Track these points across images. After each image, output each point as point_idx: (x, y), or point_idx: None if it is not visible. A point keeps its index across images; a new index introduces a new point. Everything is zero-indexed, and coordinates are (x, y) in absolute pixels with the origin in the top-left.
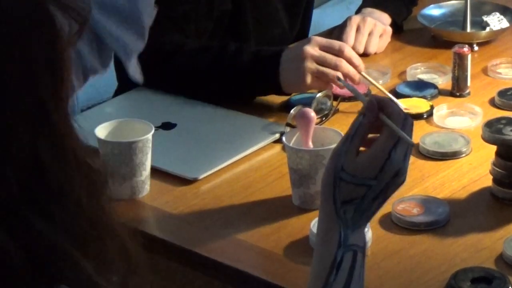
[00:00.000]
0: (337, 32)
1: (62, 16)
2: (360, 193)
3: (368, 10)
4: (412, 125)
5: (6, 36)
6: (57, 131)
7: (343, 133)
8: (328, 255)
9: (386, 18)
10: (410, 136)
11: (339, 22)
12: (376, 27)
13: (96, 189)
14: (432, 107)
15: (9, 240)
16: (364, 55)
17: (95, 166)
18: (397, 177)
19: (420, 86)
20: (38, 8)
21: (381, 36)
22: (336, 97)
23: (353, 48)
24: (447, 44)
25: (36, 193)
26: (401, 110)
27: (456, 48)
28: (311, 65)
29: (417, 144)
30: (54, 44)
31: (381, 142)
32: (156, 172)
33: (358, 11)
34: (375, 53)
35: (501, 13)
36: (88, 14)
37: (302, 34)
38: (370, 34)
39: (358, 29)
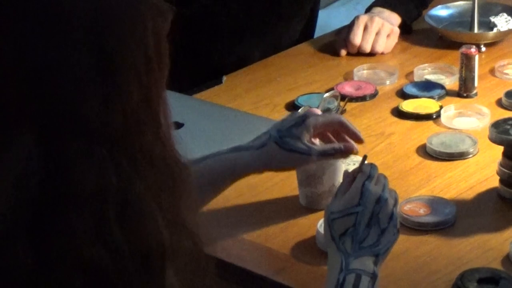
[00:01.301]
0: (345, 31)
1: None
2: (351, 222)
3: (378, 9)
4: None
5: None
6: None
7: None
8: (333, 278)
9: (395, 18)
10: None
11: (346, 22)
12: (384, 26)
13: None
14: (441, 108)
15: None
16: (371, 54)
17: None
18: (380, 204)
19: (427, 87)
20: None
21: (388, 36)
22: (343, 97)
23: (360, 47)
24: (454, 45)
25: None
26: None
27: (463, 49)
28: None
29: (424, 145)
30: (159, 35)
31: (357, 179)
32: None
33: (367, 10)
34: (382, 53)
35: (509, 14)
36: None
37: (308, 34)
38: (377, 33)
39: (365, 28)
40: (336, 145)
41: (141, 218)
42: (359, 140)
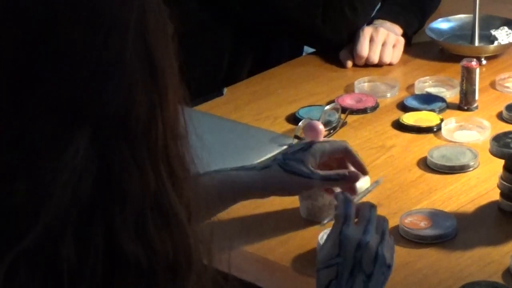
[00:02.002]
0: (351, 44)
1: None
2: (333, 273)
3: (379, 21)
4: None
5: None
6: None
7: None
8: None
9: (397, 29)
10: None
11: None
12: (389, 37)
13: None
14: (442, 121)
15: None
16: (378, 65)
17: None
18: (361, 251)
19: (428, 100)
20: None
21: (394, 46)
22: (344, 110)
23: (368, 58)
24: (455, 58)
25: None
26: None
27: (464, 62)
28: None
29: (425, 158)
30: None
31: (334, 224)
32: None
33: (369, 23)
34: (390, 64)
35: (510, 27)
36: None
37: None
38: (383, 44)
39: (371, 40)
40: (341, 171)
41: (173, 224)
42: (363, 171)
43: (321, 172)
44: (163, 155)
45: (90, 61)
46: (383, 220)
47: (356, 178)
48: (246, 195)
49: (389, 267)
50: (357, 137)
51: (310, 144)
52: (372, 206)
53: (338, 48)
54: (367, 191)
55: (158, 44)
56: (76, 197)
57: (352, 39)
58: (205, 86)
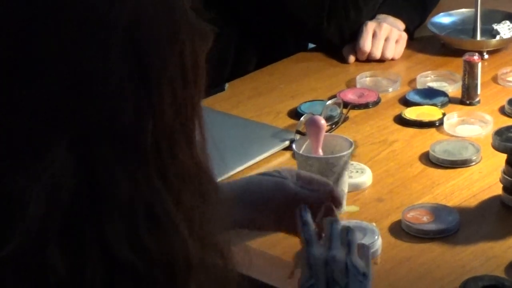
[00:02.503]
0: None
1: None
2: None
3: (382, 16)
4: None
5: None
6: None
7: (353, 141)
8: None
9: (400, 24)
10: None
11: None
12: (392, 32)
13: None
14: (444, 115)
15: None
16: (380, 60)
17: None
18: (330, 266)
19: (430, 94)
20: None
21: (397, 41)
22: (346, 105)
23: (370, 53)
24: (457, 52)
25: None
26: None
27: (466, 56)
28: None
29: (427, 152)
30: (197, 54)
31: (302, 250)
32: None
33: (372, 17)
34: (392, 59)
35: (511, 22)
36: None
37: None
38: (386, 39)
39: (374, 35)
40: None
41: (168, 230)
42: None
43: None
44: (156, 164)
45: (70, 65)
46: (347, 231)
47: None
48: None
49: (364, 275)
50: (359, 132)
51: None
52: (333, 221)
53: (341, 46)
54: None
55: (154, 48)
56: (55, 205)
57: (355, 36)
58: (210, 83)
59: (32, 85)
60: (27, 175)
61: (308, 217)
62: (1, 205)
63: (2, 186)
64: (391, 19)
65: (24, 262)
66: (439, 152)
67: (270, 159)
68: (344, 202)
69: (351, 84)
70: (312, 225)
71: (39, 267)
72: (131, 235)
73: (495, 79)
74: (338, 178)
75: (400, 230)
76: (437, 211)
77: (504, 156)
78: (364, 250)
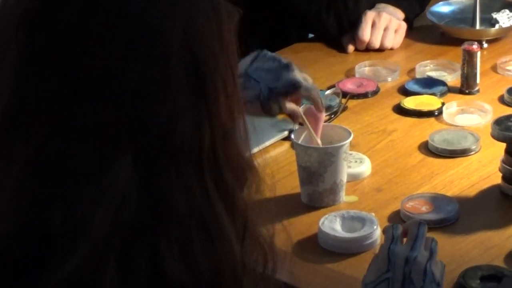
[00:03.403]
0: (353, 30)
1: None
2: None
3: (382, 5)
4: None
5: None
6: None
7: (351, 130)
8: None
9: (399, 14)
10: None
11: None
12: (392, 22)
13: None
14: (443, 104)
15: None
16: (379, 50)
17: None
18: (409, 265)
19: (429, 83)
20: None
21: (396, 31)
22: (344, 95)
23: (369, 43)
24: (456, 41)
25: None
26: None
27: (465, 45)
28: None
29: (426, 142)
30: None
31: (383, 245)
32: None
33: (372, 6)
34: (392, 49)
35: (511, 10)
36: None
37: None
38: (385, 29)
39: (373, 24)
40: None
41: (218, 239)
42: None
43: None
44: (211, 169)
45: (130, 80)
46: (431, 240)
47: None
48: None
49: (438, 285)
50: (358, 122)
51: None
52: (421, 224)
53: (339, 37)
54: None
55: (208, 53)
56: (118, 223)
57: (354, 26)
58: None
59: (94, 102)
60: (91, 194)
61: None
62: (64, 224)
63: (66, 205)
64: (390, 8)
65: (80, 282)
66: (438, 141)
67: (269, 149)
68: (343, 193)
69: (350, 73)
70: (401, 228)
71: (95, 286)
72: (185, 249)
73: (494, 68)
74: (337, 168)
75: (399, 220)
76: (436, 200)
77: (503, 145)
78: (441, 264)
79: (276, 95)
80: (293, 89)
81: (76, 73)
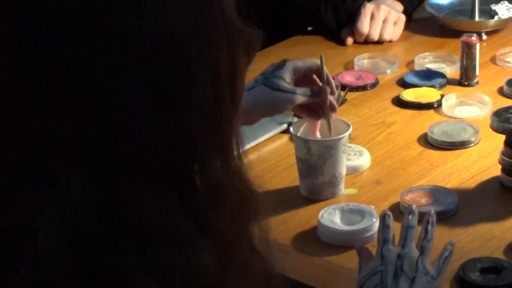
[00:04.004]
0: (352, 22)
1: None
2: (378, 279)
3: None
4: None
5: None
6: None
7: (351, 123)
8: None
9: (398, 6)
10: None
11: None
12: (390, 14)
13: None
14: (442, 96)
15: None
16: (378, 42)
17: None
18: (401, 259)
19: (428, 76)
20: (216, 32)
21: (395, 23)
22: (343, 87)
23: (368, 35)
24: (455, 33)
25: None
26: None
27: (464, 37)
28: None
29: (426, 134)
30: (236, 66)
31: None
32: None
33: None
34: (390, 41)
35: (510, 2)
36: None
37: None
38: (384, 21)
39: (372, 17)
40: (315, 87)
41: (189, 254)
42: (331, 88)
43: (300, 89)
44: (177, 185)
45: (89, 87)
46: (423, 238)
47: (325, 92)
48: None
49: (433, 278)
50: (357, 114)
51: (284, 62)
52: (408, 227)
53: (338, 30)
54: None
55: (181, 67)
56: (70, 236)
57: (353, 20)
58: None
59: (49, 106)
60: (40, 200)
61: (390, 222)
62: (8, 232)
63: (10, 210)
64: (389, 0)
65: None
66: (437, 133)
67: (268, 142)
68: (343, 185)
69: (349, 66)
70: (393, 230)
71: None
72: (153, 266)
73: (493, 60)
74: (336, 160)
75: (399, 213)
76: (436, 193)
77: (502, 137)
78: (441, 263)
79: (271, 73)
80: (282, 63)
81: (29, 75)
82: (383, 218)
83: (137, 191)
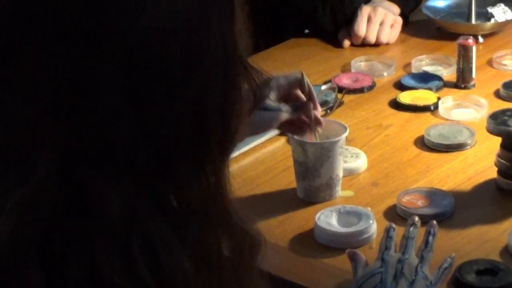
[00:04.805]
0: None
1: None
2: (377, 279)
3: (378, 0)
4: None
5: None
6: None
7: (347, 125)
8: None
9: (395, 9)
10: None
11: None
12: (387, 17)
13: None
14: (439, 99)
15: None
16: (375, 45)
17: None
18: (401, 263)
19: (425, 78)
20: (230, 73)
21: (392, 26)
22: (340, 90)
23: (365, 38)
24: (451, 36)
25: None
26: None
27: (460, 40)
28: None
29: (422, 137)
30: (238, 110)
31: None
32: None
33: (367, 1)
34: (387, 43)
35: (506, 4)
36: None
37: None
38: (381, 24)
39: (369, 19)
40: (298, 103)
41: (163, 254)
42: (314, 103)
43: (286, 106)
44: (151, 185)
45: (61, 75)
46: (425, 247)
47: (309, 106)
48: None
49: (432, 283)
50: (354, 117)
51: (268, 81)
52: (409, 237)
53: (335, 32)
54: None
55: (157, 69)
56: (31, 218)
57: (350, 22)
58: None
59: (25, 92)
60: (1, 183)
61: (394, 235)
62: None
63: None
64: (386, 3)
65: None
66: (434, 136)
67: (265, 144)
68: (339, 187)
69: (346, 68)
70: (395, 241)
71: (12, 282)
72: (126, 262)
73: (490, 63)
74: (333, 163)
75: (395, 215)
76: (432, 195)
77: (498, 140)
78: (440, 273)
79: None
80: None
81: (4, 59)
82: (388, 230)
83: (105, 184)
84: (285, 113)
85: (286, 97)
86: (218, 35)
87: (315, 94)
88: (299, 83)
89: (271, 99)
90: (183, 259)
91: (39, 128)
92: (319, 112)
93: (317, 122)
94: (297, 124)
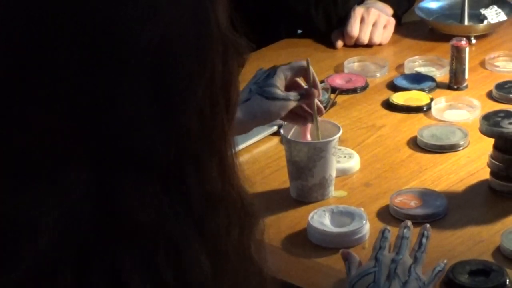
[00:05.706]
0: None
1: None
2: (370, 279)
3: (371, 1)
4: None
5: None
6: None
7: (340, 126)
8: None
9: (388, 10)
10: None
11: None
12: (380, 17)
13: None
14: (431, 100)
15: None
16: (368, 45)
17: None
18: (395, 263)
19: (418, 79)
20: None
21: (385, 27)
22: (334, 90)
23: (358, 39)
24: (444, 37)
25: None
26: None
27: (453, 41)
28: None
29: (415, 137)
30: (230, 76)
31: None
32: None
33: (361, 2)
34: (380, 44)
35: (499, 6)
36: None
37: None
38: (374, 24)
39: (362, 20)
40: (303, 90)
41: (189, 264)
42: (317, 89)
43: (294, 93)
44: (179, 186)
45: (88, 85)
46: (418, 248)
47: (313, 94)
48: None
49: (425, 284)
50: (347, 117)
51: (275, 69)
52: (403, 237)
53: (328, 33)
54: None
55: (180, 71)
56: (70, 232)
57: (343, 23)
58: None
59: (51, 107)
60: (40, 198)
61: (389, 236)
62: (7, 227)
63: (11, 208)
64: (379, 4)
65: None
66: (426, 137)
67: (258, 144)
68: (333, 188)
69: (339, 69)
70: (389, 242)
71: None
72: (150, 268)
73: (482, 64)
74: (326, 163)
75: (388, 215)
76: (425, 196)
77: (491, 141)
78: (432, 275)
79: (264, 81)
80: (273, 71)
81: (31, 75)
82: (383, 231)
83: (136, 191)
84: (293, 102)
85: (289, 84)
86: (218, 19)
87: (318, 82)
88: (304, 71)
89: (280, 88)
90: (203, 258)
91: (69, 141)
92: (321, 100)
93: (319, 110)
94: (297, 114)
